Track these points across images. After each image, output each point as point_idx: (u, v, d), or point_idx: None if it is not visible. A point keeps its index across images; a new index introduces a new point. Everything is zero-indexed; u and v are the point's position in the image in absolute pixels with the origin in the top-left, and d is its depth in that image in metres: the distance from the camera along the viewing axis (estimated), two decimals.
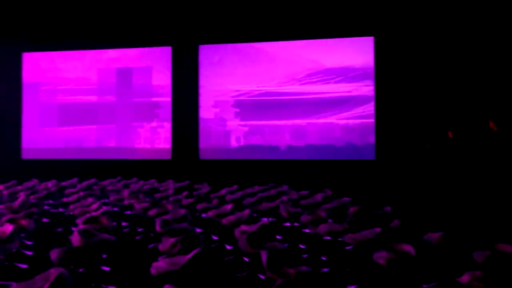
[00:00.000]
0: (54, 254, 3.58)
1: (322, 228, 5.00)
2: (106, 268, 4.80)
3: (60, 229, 7.11)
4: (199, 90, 13.53)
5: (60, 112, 14.71)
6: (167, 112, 13.74)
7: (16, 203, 6.61)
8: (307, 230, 6.57)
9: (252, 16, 12.82)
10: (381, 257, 3.67)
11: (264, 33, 13.13)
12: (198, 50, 13.60)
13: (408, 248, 3.66)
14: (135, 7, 13.10)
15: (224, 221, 5.57)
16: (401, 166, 11.78)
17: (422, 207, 8.13)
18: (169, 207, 6.17)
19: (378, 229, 4.43)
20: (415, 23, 11.92)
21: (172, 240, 3.99)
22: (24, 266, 5.04)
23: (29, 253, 5.55)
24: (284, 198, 7.53)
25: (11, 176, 11.74)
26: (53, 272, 2.90)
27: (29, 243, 5.97)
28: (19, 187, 9.42)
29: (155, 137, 13.97)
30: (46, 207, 8.51)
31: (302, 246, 5.89)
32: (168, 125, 13.69)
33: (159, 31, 13.64)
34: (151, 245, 6.01)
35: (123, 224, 7.35)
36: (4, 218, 5.40)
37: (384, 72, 12.23)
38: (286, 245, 4.80)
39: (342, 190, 9.64)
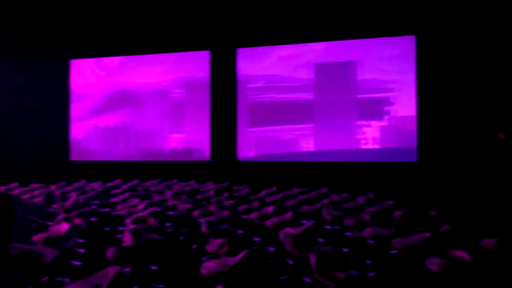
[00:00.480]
0: (109, 252, 3.73)
1: (368, 231, 4.91)
2: (154, 267, 4.95)
3: (108, 228, 7.41)
4: (236, 91, 13.70)
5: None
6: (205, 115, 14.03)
7: (68, 203, 6.95)
8: (349, 234, 6.48)
9: None
10: (434, 263, 3.56)
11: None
12: (236, 53, 13.75)
13: (463, 254, 3.52)
14: (179, 14, 13.44)
15: (267, 223, 5.58)
16: (445, 168, 11.34)
17: (471, 211, 7.79)
18: (212, 208, 6.26)
19: (427, 234, 4.29)
20: (459, 20, 11.47)
21: (219, 241, 4.06)
22: (78, 263, 5.29)
23: (81, 250, 5.82)
24: (325, 201, 7.45)
25: (61, 177, 12.40)
26: (111, 270, 3.02)
27: (80, 241, 6.25)
28: (69, 188, 9.89)
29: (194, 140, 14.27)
30: (93, 207, 8.90)
31: (345, 250, 5.81)
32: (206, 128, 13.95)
33: (197, 37, 13.94)
34: (195, 246, 6.14)
35: (166, 224, 7.55)
36: (59, 217, 5.68)
37: (427, 71, 11.85)
38: (330, 248, 4.76)
39: (383, 193, 9.42)
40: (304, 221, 7.04)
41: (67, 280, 4.59)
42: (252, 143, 13.56)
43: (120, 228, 7.40)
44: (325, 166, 12.64)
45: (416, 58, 12.01)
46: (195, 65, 14.33)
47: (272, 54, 13.69)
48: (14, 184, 10.37)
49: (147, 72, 14.88)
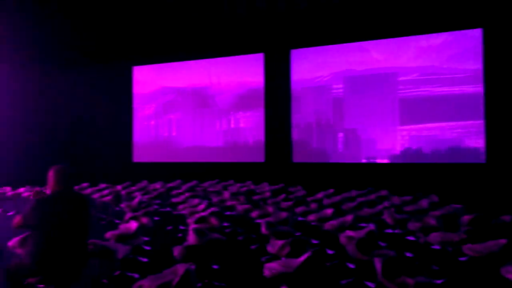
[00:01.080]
0: (176, 250, 3.89)
1: (435, 236, 4.68)
2: (215, 266, 5.08)
3: (170, 227, 7.72)
4: (291, 92, 13.67)
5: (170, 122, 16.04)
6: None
7: (134, 202, 7.34)
8: (411, 238, 6.22)
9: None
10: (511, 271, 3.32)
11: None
12: (290, 54, 13.74)
13: None
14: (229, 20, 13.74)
15: (327, 225, 5.52)
16: None
17: None
18: (270, 209, 6.31)
19: (503, 241, 4.01)
20: None
21: (281, 242, 4.08)
22: (145, 260, 5.56)
23: (147, 248, 6.13)
24: (386, 203, 7.21)
25: (125, 177, 13.13)
26: (180, 268, 3.15)
27: (145, 238, 6.57)
28: (134, 188, 10.43)
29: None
30: (155, 206, 9.32)
31: (408, 255, 5.59)
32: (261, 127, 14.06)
33: (252, 40, 14.11)
34: (254, 246, 6.22)
35: (224, 224, 7.72)
36: (127, 216, 6.02)
37: (495, 69, 11.06)
38: (394, 252, 4.60)
39: (447, 196, 8.93)
40: (363, 224, 6.88)
41: (136, 275, 4.86)
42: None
43: (181, 227, 7.70)
44: (382, 168, 12.24)
45: (483, 56, 11.27)
46: (248, 69, 14.54)
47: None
48: (85, 184, 11.16)
49: (200, 76, 15.34)
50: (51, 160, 14.18)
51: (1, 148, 16.17)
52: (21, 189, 10.05)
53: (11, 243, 4.40)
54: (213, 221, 5.40)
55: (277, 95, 13.79)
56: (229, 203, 7.59)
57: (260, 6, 13.18)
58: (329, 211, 6.13)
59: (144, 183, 11.56)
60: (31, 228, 3.22)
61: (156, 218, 8.62)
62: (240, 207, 6.93)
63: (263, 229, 5.01)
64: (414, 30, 12.22)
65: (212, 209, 6.28)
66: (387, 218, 6.13)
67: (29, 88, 17.39)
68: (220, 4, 13.83)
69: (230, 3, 13.74)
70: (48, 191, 3.41)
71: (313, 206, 6.90)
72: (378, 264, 3.30)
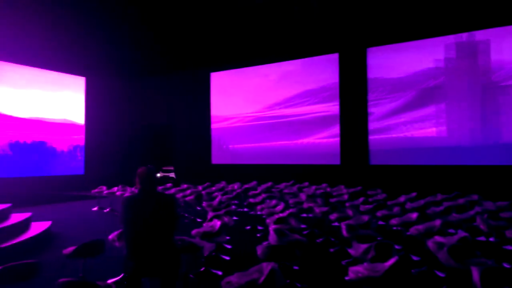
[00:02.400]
0: (259, 249, 3.98)
1: None
2: (296, 267, 5.10)
3: (248, 227, 7.91)
4: (367, 92, 13.23)
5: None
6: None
7: (215, 202, 7.65)
8: (509, 247, 5.66)
9: None
10: None
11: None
12: (366, 53, 13.32)
13: None
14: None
15: (412, 230, 5.24)
16: None
17: None
18: (350, 212, 6.17)
19: None
20: None
21: (365, 246, 3.97)
22: (227, 258, 5.77)
23: (228, 246, 6.34)
24: (478, 209, 6.65)
25: (204, 178, 13.74)
26: (266, 266, 3.22)
27: (226, 237, 6.80)
28: (213, 188, 10.87)
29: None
30: (233, 207, 9.61)
31: (506, 265, 5.09)
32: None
33: (325, 40, 13.94)
34: (333, 249, 6.12)
35: (302, 226, 7.71)
36: (209, 215, 6.30)
37: None
38: (491, 262, 4.22)
39: None
40: (452, 230, 6.41)
41: (219, 272, 5.05)
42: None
43: (259, 228, 7.84)
44: (468, 170, 11.30)
45: None
46: (323, 70, 14.37)
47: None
48: (169, 184, 11.89)
49: (277, 80, 15.50)
50: (139, 162, 15.38)
51: (97, 152, 17.90)
52: (115, 188, 11.00)
53: (111, 236, 4.83)
54: (292, 222, 5.43)
55: (353, 95, 13.44)
56: (306, 205, 7.56)
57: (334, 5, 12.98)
58: (413, 215, 5.81)
59: (222, 183, 11.98)
60: (122, 223, 3.51)
61: (234, 218, 8.91)
62: (318, 209, 6.87)
63: (344, 232, 4.91)
64: None
65: (290, 210, 6.31)
66: (480, 224, 5.64)
67: (118, 97, 19.03)
68: (291, 7, 13.89)
69: (300, 5, 13.73)
70: (136, 190, 3.71)
71: (396, 210, 6.60)
72: (475, 273, 3.07)
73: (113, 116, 18.73)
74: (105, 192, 10.78)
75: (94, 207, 10.78)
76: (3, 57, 15.11)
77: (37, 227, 6.95)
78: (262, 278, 3.09)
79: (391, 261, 3.30)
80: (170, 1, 14.75)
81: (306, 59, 14.72)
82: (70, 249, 4.14)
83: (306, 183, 11.44)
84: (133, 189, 10.90)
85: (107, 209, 10.34)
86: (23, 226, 6.71)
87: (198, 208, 9.39)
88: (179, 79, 17.89)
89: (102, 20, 15.35)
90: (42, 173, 16.23)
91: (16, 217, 6.88)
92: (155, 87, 18.72)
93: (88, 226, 8.54)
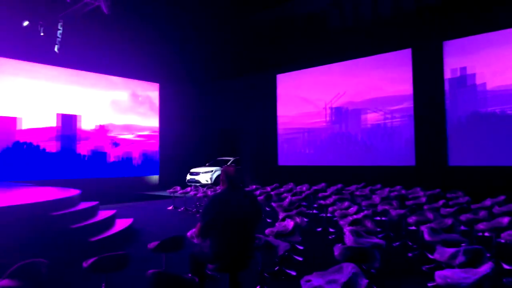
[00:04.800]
0: (336, 250, 3.91)
1: None
2: (373, 271, 4.92)
3: (319, 229, 7.81)
4: (445, 88, 12.41)
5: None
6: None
7: (285, 203, 7.66)
8: None
9: None
10: None
11: None
12: (443, 47, 12.51)
13: None
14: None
15: (504, 235, 4.80)
16: None
17: None
18: (430, 215, 5.82)
19: None
20: None
21: (451, 250, 3.71)
22: (300, 258, 5.74)
23: (300, 247, 6.31)
24: None
25: (271, 180, 13.84)
26: (346, 267, 3.14)
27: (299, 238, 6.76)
28: (282, 189, 10.91)
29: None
30: (302, 208, 9.55)
31: None
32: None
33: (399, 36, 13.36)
34: (412, 253, 5.82)
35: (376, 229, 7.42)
36: (281, 215, 6.32)
37: None
38: None
39: None
40: None
41: (293, 272, 5.04)
42: None
43: (331, 230, 7.71)
44: None
45: None
46: (394, 66, 13.76)
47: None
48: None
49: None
50: (209, 165, 15.76)
51: (171, 154, 18.89)
52: (188, 189, 11.50)
53: (189, 233, 5.04)
54: (368, 224, 5.25)
55: (428, 91, 12.69)
56: (380, 207, 7.28)
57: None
58: (504, 220, 5.32)
59: (290, 185, 11.97)
60: (207, 219, 3.64)
61: (305, 219, 8.85)
62: (394, 212, 6.57)
63: (426, 236, 4.64)
64: None
65: (365, 212, 6.11)
66: None
67: (188, 101, 19.91)
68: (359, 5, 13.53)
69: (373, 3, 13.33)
70: (220, 189, 3.83)
71: (482, 214, 6.09)
72: None
73: (184, 120, 19.65)
74: (179, 192, 11.31)
75: (169, 206, 11.36)
76: (91, 68, 16.56)
77: (121, 224, 7.48)
78: (343, 279, 3.02)
79: (485, 267, 3.04)
80: (237, 8, 15.14)
81: (377, 56, 14.19)
82: (154, 243, 4.39)
83: (379, 185, 11.00)
84: (205, 189, 11.31)
85: (181, 208, 10.84)
86: (109, 222, 7.26)
87: (267, 209, 9.47)
88: (246, 82, 18.26)
89: (173, 29, 16.20)
90: (122, 174, 17.50)
91: (103, 214, 7.48)
92: (224, 92, 19.30)
93: (165, 223, 9.03)
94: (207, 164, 17.21)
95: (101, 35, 15.45)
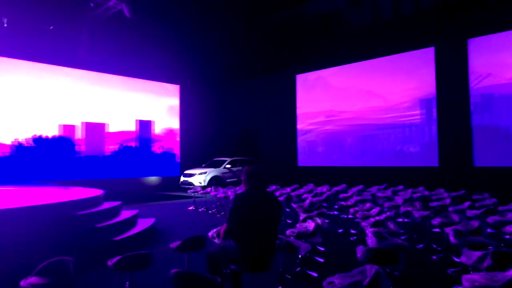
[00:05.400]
0: (359, 252, 3.86)
1: None
2: (396, 273, 4.84)
3: (340, 230, 7.73)
4: (469, 87, 12.09)
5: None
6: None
7: (305, 204, 7.62)
8: None
9: None
10: None
11: None
12: (468, 45, 12.20)
13: None
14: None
15: None
16: None
17: None
18: (455, 217, 5.67)
19: None
20: None
21: (478, 253, 3.61)
22: (321, 259, 5.69)
23: (322, 248, 6.26)
24: None
25: (290, 180, 13.78)
26: (370, 268, 3.10)
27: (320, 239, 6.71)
28: (302, 190, 10.85)
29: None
30: (324, 209, 9.46)
31: None
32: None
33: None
34: (435, 256, 5.69)
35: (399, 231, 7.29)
36: (302, 216, 6.28)
37: None
38: None
39: None
40: None
41: (314, 274, 5.01)
42: None
43: (352, 231, 7.61)
44: None
45: None
46: (417, 65, 13.51)
47: None
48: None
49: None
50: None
51: (191, 155, 19.07)
52: (208, 189, 11.58)
53: (210, 233, 5.08)
54: (391, 226, 5.16)
55: (452, 90, 12.40)
56: (403, 209, 7.14)
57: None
58: None
59: (310, 186, 11.89)
60: (231, 219, 3.65)
61: (326, 221, 8.77)
62: (417, 214, 6.45)
63: (452, 238, 4.53)
64: None
65: (387, 214, 6.01)
66: None
67: (208, 102, 20.07)
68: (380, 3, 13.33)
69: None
70: (242, 189, 3.84)
71: (510, 216, 5.90)
72: None
73: (204, 121, 19.82)
74: (200, 192, 11.40)
75: (190, 206, 11.46)
76: (114, 71, 16.91)
77: (143, 223, 7.60)
78: (367, 280, 2.98)
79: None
80: (256, 9, 15.16)
81: (398, 55, 13.97)
82: (176, 243, 4.44)
83: (401, 186, 10.80)
84: (225, 189, 11.35)
85: (202, 208, 10.92)
86: (132, 221, 7.38)
87: (287, 210, 9.44)
88: (265, 83, 18.28)
89: (193, 31, 16.36)
90: (143, 175, 17.79)
91: (125, 214, 7.61)
92: (243, 92, 19.37)
93: (186, 223, 9.11)
94: (203, 166, 16.79)
95: (123, 38, 15.76)
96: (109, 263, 3.72)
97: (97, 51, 15.27)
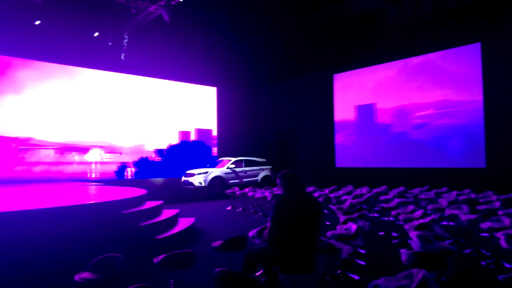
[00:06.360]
0: (404, 255, 3.76)
1: None
2: (443, 278, 4.66)
3: (381, 233, 7.55)
4: None
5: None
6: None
7: (345, 205, 7.51)
8: None
9: None
10: None
11: None
12: None
13: None
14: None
15: None
16: None
17: None
18: (506, 221, 5.39)
19: None
20: None
21: None
22: (362, 262, 5.59)
23: (362, 251, 6.14)
24: None
25: (328, 182, 13.61)
26: (417, 273, 3.01)
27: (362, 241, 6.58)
28: (341, 192, 10.70)
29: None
30: (364, 211, 9.27)
31: None
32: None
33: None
34: (484, 262, 5.44)
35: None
36: (342, 218, 6.19)
37: None
38: None
39: None
40: None
41: (356, 277, 4.92)
42: None
43: (394, 234, 7.41)
44: None
45: None
46: (463, 60, 12.95)
47: None
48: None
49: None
50: (266, 165, 15.83)
51: (230, 156, 19.26)
52: (246, 189, 11.66)
53: (251, 233, 5.12)
54: (437, 229, 4.99)
55: (501, 88, 11.78)
56: (448, 212, 6.87)
57: None
58: None
59: (349, 187, 11.70)
60: (272, 220, 3.67)
61: (367, 223, 8.58)
62: (464, 217, 6.18)
63: (503, 243, 4.31)
64: None
65: (432, 216, 5.81)
66: None
67: (244, 104, 20.21)
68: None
69: None
70: (279, 192, 3.86)
71: None
72: None
73: (242, 122, 19.98)
74: (237, 193, 11.50)
75: (227, 206, 11.59)
76: (154, 74, 17.43)
77: (184, 222, 7.77)
78: (414, 285, 2.90)
79: None
80: (292, 8, 15.11)
81: (440, 52, 13.46)
82: (218, 242, 4.51)
83: (445, 188, 10.39)
84: (262, 190, 11.40)
85: (240, 209, 11.02)
86: (173, 221, 7.57)
87: (325, 211, 9.33)
88: (302, 83, 18.17)
89: (229, 32, 16.53)
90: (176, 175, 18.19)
91: (167, 213, 7.81)
92: (280, 93, 19.35)
93: (224, 223, 9.23)
94: (208, 165, 16.47)
95: (162, 42, 16.20)
96: (155, 260, 3.84)
97: (139, 55, 15.79)
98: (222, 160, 16.69)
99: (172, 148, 18.26)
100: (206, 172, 14.90)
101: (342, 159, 16.46)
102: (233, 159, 16.08)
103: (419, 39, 13.69)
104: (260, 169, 16.52)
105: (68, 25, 13.89)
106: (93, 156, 16.00)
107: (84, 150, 15.79)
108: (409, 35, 13.84)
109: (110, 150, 16.47)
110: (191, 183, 14.78)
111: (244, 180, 15.70)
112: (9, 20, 12.79)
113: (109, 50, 15.01)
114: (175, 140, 18.36)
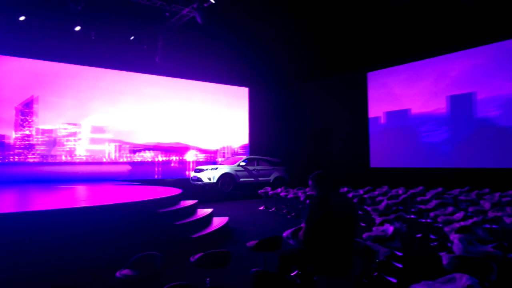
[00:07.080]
0: (445, 259, 3.63)
1: None
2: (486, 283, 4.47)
3: (419, 235, 7.33)
4: None
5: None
6: None
7: (381, 206, 7.34)
8: None
9: None
10: None
11: None
12: None
13: None
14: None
15: None
16: None
17: None
18: None
19: None
20: None
21: None
22: (399, 265, 5.44)
23: (399, 253, 5.98)
24: None
25: (362, 182, 13.36)
26: (460, 277, 2.91)
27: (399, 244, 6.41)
28: (376, 192, 10.48)
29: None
30: (401, 213, 9.02)
31: None
32: None
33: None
34: None
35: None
36: (378, 220, 6.06)
37: None
38: None
39: None
40: None
41: (393, 280, 4.80)
42: None
43: (432, 236, 7.18)
44: None
45: None
46: (496, 58, 12.36)
47: None
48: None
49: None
50: (298, 165, 15.87)
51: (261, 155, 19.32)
52: (278, 190, 11.65)
53: (285, 234, 5.11)
54: (479, 232, 4.78)
55: None
56: (491, 214, 6.58)
57: None
58: None
59: (385, 188, 11.43)
60: (308, 221, 3.66)
61: (404, 225, 8.35)
62: (508, 220, 5.90)
63: None
64: None
65: (474, 219, 5.58)
66: None
67: (276, 104, 20.19)
68: None
69: None
70: (312, 193, 3.84)
71: None
72: None
73: (274, 122, 19.98)
74: (270, 193, 11.51)
75: (260, 206, 11.62)
76: (188, 76, 17.76)
77: (218, 222, 7.86)
78: None
79: None
80: (323, 7, 14.95)
81: (484, 46, 12.89)
82: (253, 242, 4.54)
83: (486, 189, 9.93)
84: (295, 190, 11.34)
85: (272, 209, 11.02)
86: (207, 220, 7.68)
87: (360, 212, 9.16)
88: (335, 82, 17.94)
89: (261, 32, 16.57)
90: None
91: (201, 212, 7.94)
92: (313, 92, 19.19)
93: (257, 223, 9.26)
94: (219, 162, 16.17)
95: (196, 43, 16.46)
96: (192, 259, 3.91)
97: (172, 58, 16.12)
98: (232, 157, 16.58)
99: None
100: (216, 168, 14.61)
101: (377, 159, 16.11)
102: (245, 157, 15.87)
103: (457, 33, 13.16)
104: (273, 168, 16.06)
105: (107, 31, 14.39)
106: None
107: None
108: (446, 29, 13.34)
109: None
110: (200, 179, 14.49)
111: (258, 179, 15.35)
112: (52, 27, 13.41)
113: (144, 53, 15.43)
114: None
